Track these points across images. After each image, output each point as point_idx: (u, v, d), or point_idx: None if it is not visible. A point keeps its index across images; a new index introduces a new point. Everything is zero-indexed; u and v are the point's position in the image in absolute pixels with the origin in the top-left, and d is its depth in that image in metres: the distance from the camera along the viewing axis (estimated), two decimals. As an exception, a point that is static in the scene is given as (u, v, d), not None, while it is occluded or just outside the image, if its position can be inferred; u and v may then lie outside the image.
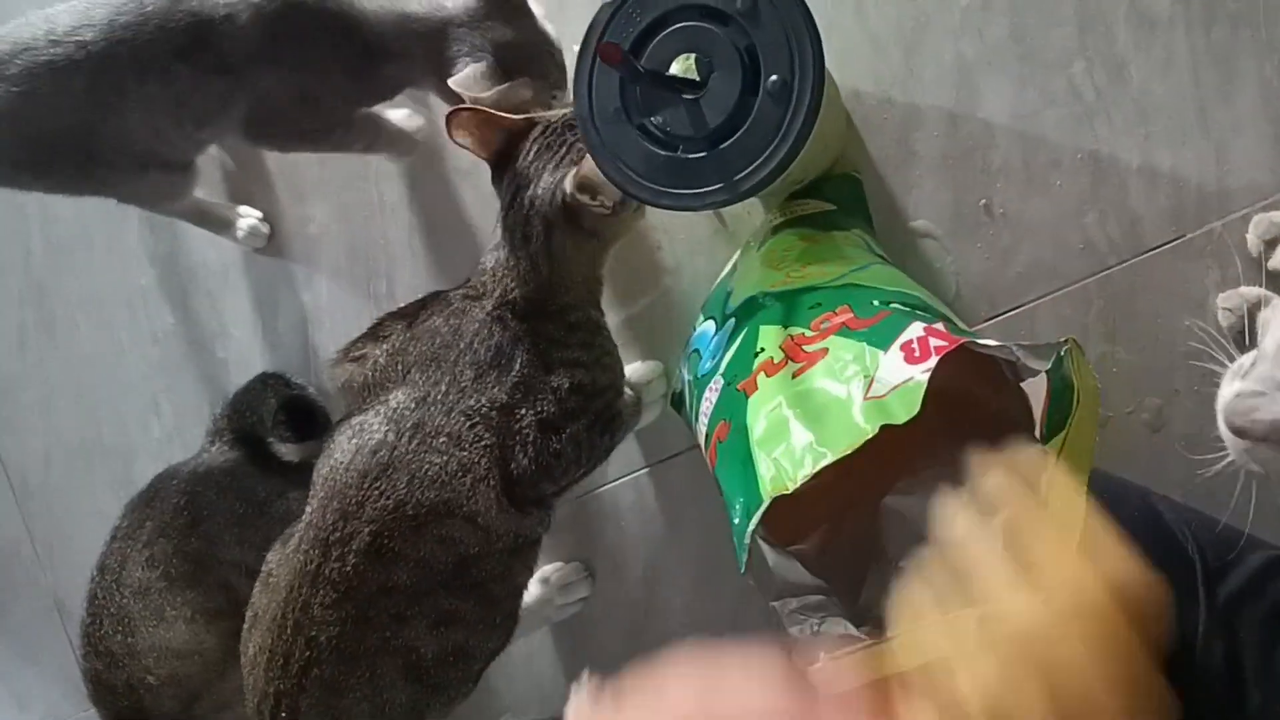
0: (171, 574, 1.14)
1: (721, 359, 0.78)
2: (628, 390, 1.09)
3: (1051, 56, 0.93)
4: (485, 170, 0.95)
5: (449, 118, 0.91)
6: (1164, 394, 0.92)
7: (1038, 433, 0.63)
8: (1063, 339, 0.58)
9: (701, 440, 0.76)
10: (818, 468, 0.58)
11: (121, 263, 1.46)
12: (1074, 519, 0.64)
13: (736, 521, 0.61)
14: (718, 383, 0.76)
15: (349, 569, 0.89)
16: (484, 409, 0.93)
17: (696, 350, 0.86)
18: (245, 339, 1.39)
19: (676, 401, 0.97)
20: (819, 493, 0.61)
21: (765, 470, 0.61)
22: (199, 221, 1.32)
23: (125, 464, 1.51)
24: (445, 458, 0.91)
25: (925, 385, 0.58)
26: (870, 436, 0.57)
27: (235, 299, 1.40)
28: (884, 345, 0.64)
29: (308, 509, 0.94)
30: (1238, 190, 0.88)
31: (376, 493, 0.90)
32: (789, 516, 0.68)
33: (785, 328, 0.73)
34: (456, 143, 0.93)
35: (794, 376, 0.67)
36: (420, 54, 1.01)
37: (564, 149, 0.93)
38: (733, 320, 0.82)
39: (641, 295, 1.14)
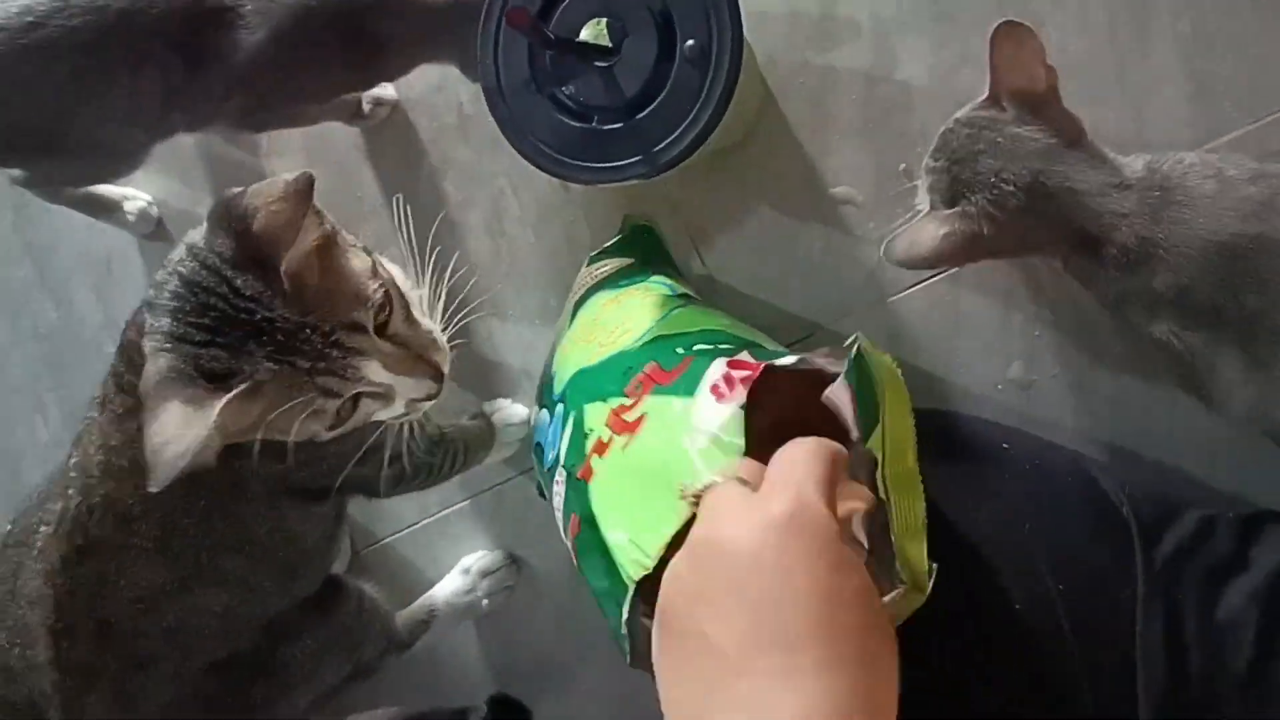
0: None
1: (560, 448, 0.74)
2: (480, 421, 1.05)
3: (967, 16, 0.90)
4: (390, 152, 0.88)
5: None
6: (1088, 355, 0.91)
7: (854, 434, 0.61)
8: (850, 339, 0.59)
9: (563, 536, 0.73)
10: (669, 536, 0.55)
11: (-5, 256, 1.37)
12: (917, 510, 0.63)
13: (610, 615, 0.59)
14: (561, 475, 0.72)
15: (86, 654, 0.80)
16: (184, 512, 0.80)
17: (539, 444, 0.82)
18: (135, 333, 1.31)
19: (539, 491, 0.92)
20: None
21: (623, 555, 0.58)
22: (85, 206, 1.24)
23: (12, 469, 1.41)
24: (156, 543, 0.79)
25: (743, 418, 0.57)
26: (709, 485, 0.55)
27: (122, 290, 1.32)
28: (693, 392, 0.62)
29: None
30: (1157, 148, 0.87)
31: (84, 580, 0.79)
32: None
33: (605, 401, 0.70)
34: None
35: (624, 450, 0.64)
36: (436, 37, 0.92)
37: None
38: (561, 405, 0.78)
39: (561, 274, 1.09)
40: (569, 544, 0.69)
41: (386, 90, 1.12)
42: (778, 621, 0.44)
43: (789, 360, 0.61)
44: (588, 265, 0.96)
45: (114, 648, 0.81)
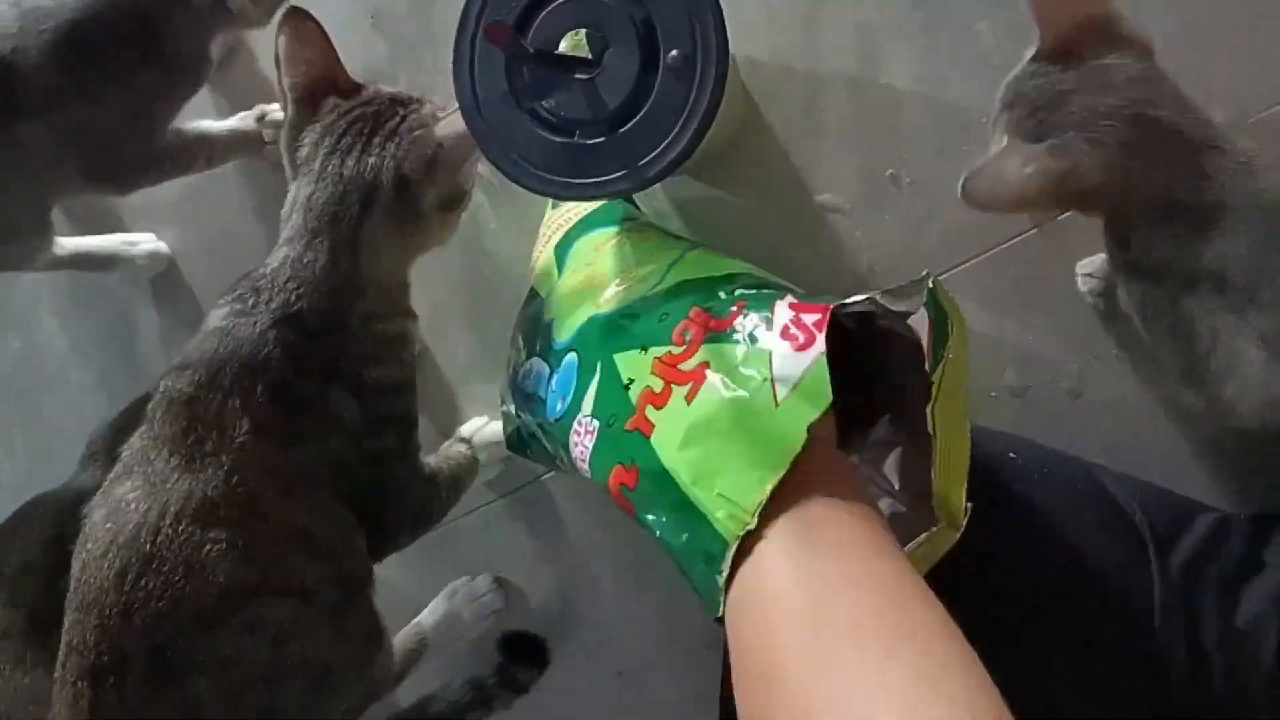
0: (38, 615, 1.03)
1: (581, 398, 0.72)
2: (463, 447, 1.03)
3: (955, 18, 0.89)
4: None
5: (290, 14, 0.80)
6: (1082, 359, 0.90)
7: (927, 366, 0.62)
8: (924, 273, 0.58)
9: (593, 482, 0.71)
10: (768, 490, 0.54)
11: (-46, 287, 1.32)
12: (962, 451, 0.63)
13: (694, 570, 0.58)
14: (588, 424, 0.70)
15: (131, 699, 0.74)
16: (279, 468, 0.79)
17: (535, 395, 0.80)
18: (104, 361, 1.28)
19: (516, 444, 0.90)
20: None
21: (717, 510, 0.56)
22: (86, 264, 1.18)
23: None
24: (232, 532, 0.76)
25: (827, 369, 0.57)
26: (805, 441, 0.55)
27: (87, 320, 1.28)
28: (756, 340, 0.61)
29: (66, 618, 0.77)
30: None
31: (143, 595, 0.74)
32: None
33: (644, 350, 0.68)
34: (277, 52, 0.81)
35: (688, 401, 0.62)
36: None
37: (397, 119, 0.82)
38: (573, 354, 0.75)
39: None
40: (611, 497, 0.67)
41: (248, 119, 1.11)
42: None
43: (857, 299, 0.59)
44: (552, 209, 0.93)
45: (164, 689, 0.75)
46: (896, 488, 0.69)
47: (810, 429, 0.55)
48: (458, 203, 0.86)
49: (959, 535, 0.63)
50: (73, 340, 1.29)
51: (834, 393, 0.57)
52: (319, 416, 0.81)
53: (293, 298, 0.80)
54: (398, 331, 0.86)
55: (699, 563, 0.56)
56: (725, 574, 0.54)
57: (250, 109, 1.11)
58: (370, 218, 0.80)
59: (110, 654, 0.74)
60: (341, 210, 0.80)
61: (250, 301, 0.81)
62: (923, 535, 0.64)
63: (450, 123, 0.80)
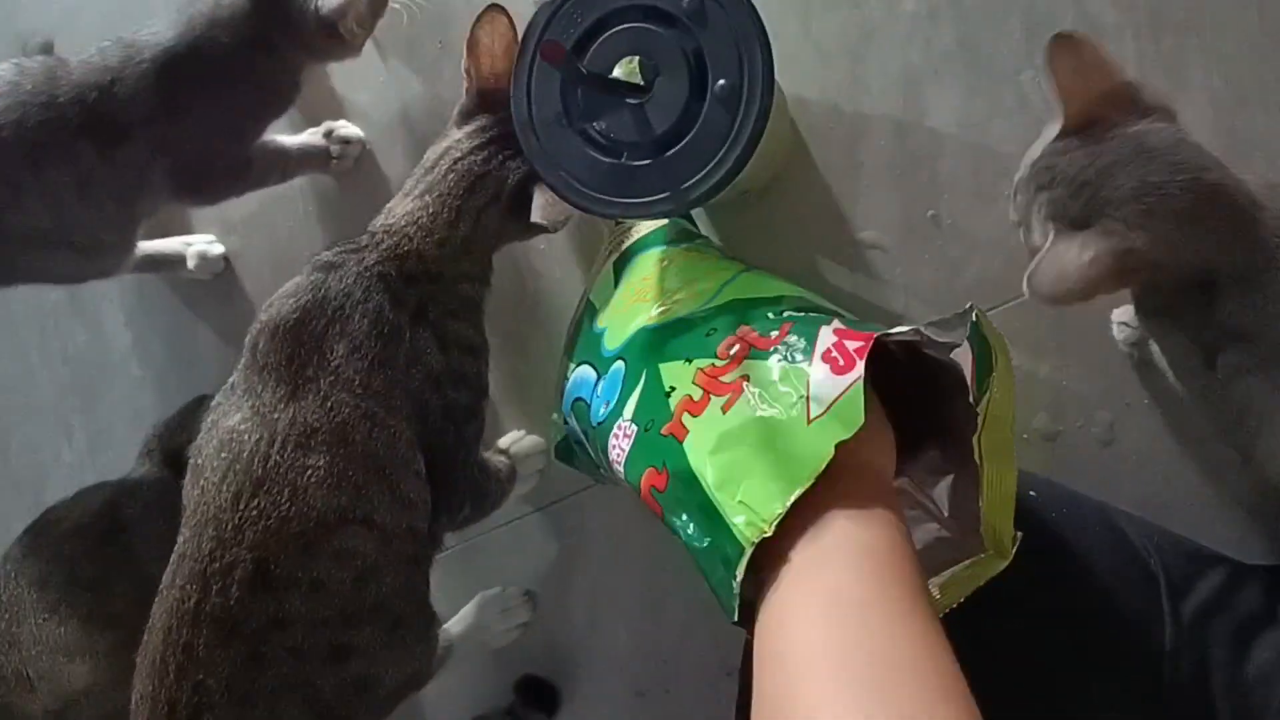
0: (76, 574, 1.10)
1: (623, 404, 0.75)
2: (502, 458, 1.07)
3: (999, 66, 0.91)
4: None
5: (490, 8, 0.86)
6: (1115, 408, 0.90)
7: (971, 397, 0.62)
8: (967, 305, 0.59)
9: (626, 487, 0.73)
10: (789, 502, 0.55)
11: (30, 278, 1.39)
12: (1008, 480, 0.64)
13: (714, 574, 0.59)
14: (627, 429, 0.73)
15: (233, 603, 0.81)
16: (368, 390, 0.85)
17: (581, 399, 0.83)
18: (163, 359, 1.33)
19: (563, 453, 0.94)
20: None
21: (736, 517, 0.58)
22: (146, 269, 1.25)
23: (35, 493, 1.43)
24: (329, 458, 0.83)
25: (863, 392, 0.58)
26: (830, 459, 0.56)
27: (151, 318, 1.34)
28: (795, 360, 0.63)
29: (180, 537, 0.85)
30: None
31: (255, 513, 0.81)
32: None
33: (689, 361, 0.71)
34: (470, 49, 0.88)
35: (724, 411, 0.64)
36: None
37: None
38: (620, 362, 0.78)
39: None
40: (641, 500, 0.69)
41: (350, 129, 1.17)
42: None
43: (901, 329, 0.61)
44: (615, 225, 0.97)
45: (262, 599, 0.81)
46: (945, 514, 0.70)
47: (840, 449, 0.56)
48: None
49: (1006, 563, 0.64)
50: (136, 335, 1.34)
51: (887, 421, 0.59)
52: (408, 348, 0.88)
53: (405, 241, 0.89)
54: (480, 296, 0.95)
55: (718, 566, 0.58)
56: (739, 579, 0.56)
57: (319, 125, 1.17)
58: (494, 205, 0.88)
59: (221, 561, 0.81)
60: (478, 188, 0.88)
61: (362, 242, 0.89)
62: (968, 560, 0.65)
63: None
